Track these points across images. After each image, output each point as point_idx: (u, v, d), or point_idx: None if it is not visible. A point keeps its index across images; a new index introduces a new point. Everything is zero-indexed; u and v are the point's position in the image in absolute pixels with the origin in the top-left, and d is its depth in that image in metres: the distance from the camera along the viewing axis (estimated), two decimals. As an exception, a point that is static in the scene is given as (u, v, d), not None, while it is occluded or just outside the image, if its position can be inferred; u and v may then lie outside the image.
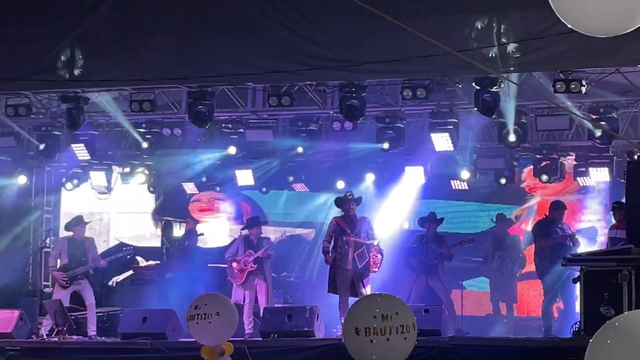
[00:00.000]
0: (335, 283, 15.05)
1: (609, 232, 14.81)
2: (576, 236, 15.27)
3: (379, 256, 15.09)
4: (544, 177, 16.81)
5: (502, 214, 17.12)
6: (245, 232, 16.43)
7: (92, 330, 15.27)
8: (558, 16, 4.68)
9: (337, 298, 15.04)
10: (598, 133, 15.13)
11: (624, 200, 14.62)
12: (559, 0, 4.61)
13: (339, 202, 15.55)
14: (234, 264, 15.93)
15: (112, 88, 15.21)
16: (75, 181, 19.13)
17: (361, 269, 14.85)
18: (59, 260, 15.69)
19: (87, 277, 15.59)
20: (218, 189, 19.74)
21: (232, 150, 17.23)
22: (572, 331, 12.87)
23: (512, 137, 15.11)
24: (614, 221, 14.87)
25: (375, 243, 15.09)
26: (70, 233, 15.95)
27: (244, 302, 15.70)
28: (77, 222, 16.02)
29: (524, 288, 17.85)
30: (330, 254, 15.09)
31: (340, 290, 14.89)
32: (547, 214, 15.45)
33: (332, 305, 15.79)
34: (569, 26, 4.71)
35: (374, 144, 16.67)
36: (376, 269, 15.08)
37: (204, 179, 19.38)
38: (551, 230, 14.99)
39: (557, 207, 15.29)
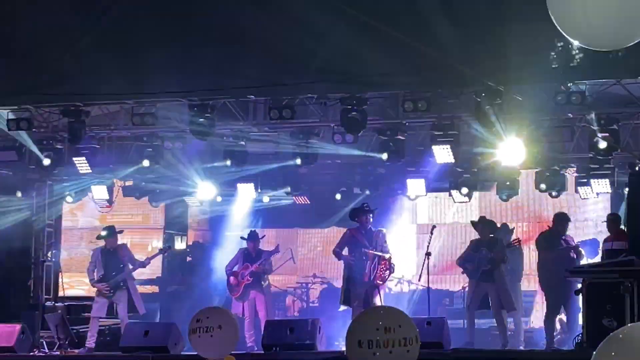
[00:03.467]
0: (349, 295, 15.12)
1: (603, 245, 14.78)
2: (580, 248, 15.20)
3: (387, 272, 15.09)
4: (542, 187, 16.88)
5: (506, 223, 17.05)
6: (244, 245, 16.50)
7: (90, 342, 15.23)
8: (560, 30, 4.68)
9: (342, 310, 15.12)
10: (602, 145, 15.10)
11: (618, 212, 14.69)
12: (560, 14, 4.61)
13: (354, 214, 15.66)
14: (231, 278, 16.04)
15: (113, 102, 15.25)
16: (77, 195, 19.15)
17: (375, 282, 14.90)
18: (95, 273, 15.70)
19: (128, 286, 15.60)
20: (220, 199, 19.73)
21: (228, 162, 17.26)
22: (574, 343, 12.85)
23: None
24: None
25: (386, 257, 15.10)
26: (102, 243, 15.97)
27: (243, 315, 15.74)
28: (109, 234, 16.03)
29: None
30: (345, 257, 15.28)
31: (354, 303, 14.96)
32: (551, 226, 15.40)
33: (333, 317, 15.81)
34: (571, 40, 4.72)
35: (375, 155, 16.72)
36: (380, 282, 15.07)
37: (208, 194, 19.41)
38: (555, 242, 14.93)
39: (561, 219, 15.24)
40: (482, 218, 16.01)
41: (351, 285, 15.20)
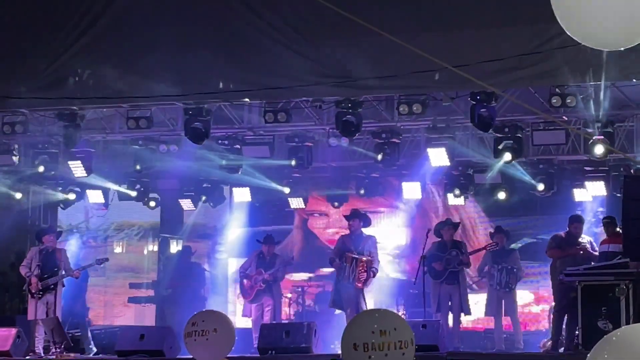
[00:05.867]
0: (337, 299, 15.24)
1: (600, 247, 14.72)
2: (591, 250, 14.84)
3: (365, 274, 15.15)
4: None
5: (500, 226, 17.05)
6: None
7: (38, 348, 15.12)
8: (564, 29, 4.65)
9: (335, 314, 15.19)
10: (597, 149, 15.08)
11: (614, 215, 14.64)
12: (565, 13, 4.59)
13: (346, 218, 15.86)
14: (245, 281, 16.24)
15: (109, 105, 15.23)
16: (72, 198, 19.15)
17: (354, 284, 14.96)
18: (27, 271, 15.53)
19: (57, 290, 15.36)
20: (212, 203, 19.73)
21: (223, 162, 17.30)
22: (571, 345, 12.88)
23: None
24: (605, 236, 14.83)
25: (364, 259, 15.13)
26: (41, 244, 15.87)
27: (251, 317, 15.91)
28: (48, 231, 15.98)
29: (524, 302, 17.86)
30: (336, 263, 15.50)
31: (345, 306, 15.06)
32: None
33: (329, 321, 15.83)
34: (576, 39, 4.69)
35: (369, 160, 16.77)
36: (359, 285, 15.15)
37: (203, 198, 19.45)
38: (567, 244, 14.79)
39: (574, 221, 15.13)
40: (448, 220, 16.18)
41: (339, 289, 15.37)
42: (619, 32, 4.58)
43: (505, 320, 15.80)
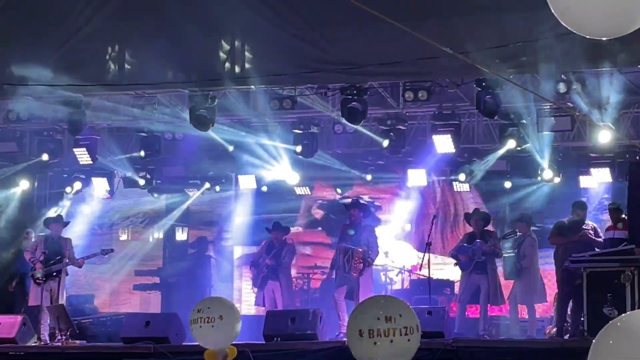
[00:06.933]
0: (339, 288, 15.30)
1: (605, 234, 14.64)
2: (594, 237, 14.56)
3: (361, 264, 15.16)
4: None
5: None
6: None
7: (44, 335, 15.15)
8: (559, 19, 4.67)
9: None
10: (603, 136, 15.04)
11: (619, 202, 14.57)
12: (557, 2, 4.60)
13: (346, 208, 15.85)
14: (252, 269, 16.43)
15: (113, 92, 15.23)
16: (78, 186, 19.18)
17: (350, 274, 15.10)
18: (32, 256, 15.55)
19: (60, 277, 15.40)
20: (218, 188, 19.75)
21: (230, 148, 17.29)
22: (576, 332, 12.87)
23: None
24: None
25: (359, 250, 15.13)
26: (48, 230, 15.91)
27: (263, 305, 16.03)
28: (56, 220, 16.02)
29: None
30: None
31: (340, 295, 15.10)
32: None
33: (335, 308, 15.85)
34: (568, 28, 4.71)
35: (375, 147, 16.78)
36: (355, 274, 15.15)
37: (207, 185, 19.49)
38: (570, 230, 14.66)
39: (576, 207, 14.98)
40: (476, 210, 15.93)
41: (336, 278, 15.46)
42: (612, 20, 4.58)
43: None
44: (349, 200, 17.24)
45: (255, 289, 16.46)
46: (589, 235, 14.44)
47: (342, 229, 15.81)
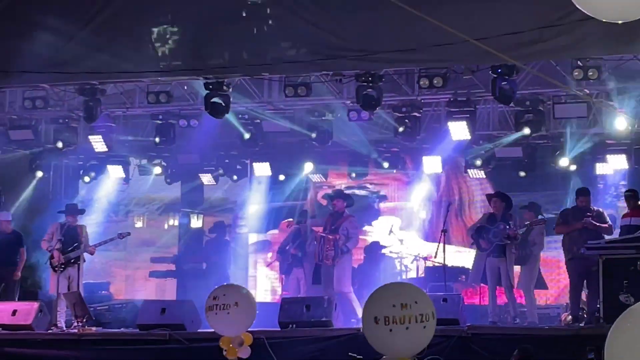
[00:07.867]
0: (319, 275, 15.90)
1: (621, 220, 14.51)
2: (599, 223, 14.55)
3: (332, 252, 15.60)
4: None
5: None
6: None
7: (60, 322, 15.18)
8: (574, 3, 4.65)
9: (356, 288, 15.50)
10: (620, 123, 14.94)
11: (635, 188, 14.47)
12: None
13: (330, 199, 16.53)
14: (279, 256, 17.20)
15: (129, 80, 15.24)
16: (93, 173, 19.23)
17: (323, 262, 15.72)
18: (48, 245, 15.59)
19: (79, 264, 15.43)
20: (235, 177, 19.78)
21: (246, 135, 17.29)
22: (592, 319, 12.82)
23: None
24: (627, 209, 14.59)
25: (330, 237, 15.58)
26: (63, 218, 15.94)
27: (288, 292, 16.66)
28: (72, 208, 16.04)
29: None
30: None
31: (324, 283, 15.77)
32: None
33: (349, 295, 15.91)
34: (585, 12, 4.68)
35: (390, 134, 16.77)
36: (328, 262, 15.63)
37: (220, 171, 19.53)
38: (574, 218, 14.51)
39: (579, 194, 14.81)
40: (497, 192, 15.69)
41: (320, 264, 15.98)
42: (628, 4, 4.55)
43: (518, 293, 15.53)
44: (332, 191, 17.59)
45: (282, 276, 17.19)
46: (593, 221, 14.23)
47: (326, 218, 16.34)
